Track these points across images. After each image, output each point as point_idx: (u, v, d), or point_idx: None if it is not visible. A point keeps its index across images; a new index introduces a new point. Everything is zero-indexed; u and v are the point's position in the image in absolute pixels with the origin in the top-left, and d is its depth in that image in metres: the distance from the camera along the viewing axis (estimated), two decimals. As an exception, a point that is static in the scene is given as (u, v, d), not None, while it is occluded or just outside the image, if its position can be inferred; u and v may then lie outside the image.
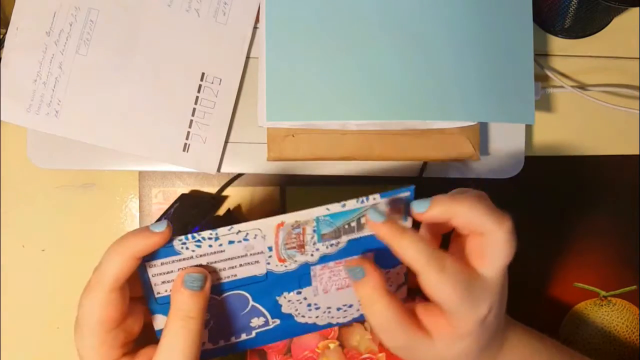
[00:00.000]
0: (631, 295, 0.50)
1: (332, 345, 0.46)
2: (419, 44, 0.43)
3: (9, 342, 0.48)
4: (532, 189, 0.49)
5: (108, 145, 0.44)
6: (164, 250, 0.30)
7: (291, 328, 0.36)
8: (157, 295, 0.32)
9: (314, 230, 0.31)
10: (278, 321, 0.36)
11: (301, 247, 0.32)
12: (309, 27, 0.43)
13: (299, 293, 0.34)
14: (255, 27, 0.46)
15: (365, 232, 0.32)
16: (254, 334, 0.36)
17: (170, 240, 0.30)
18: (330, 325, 0.37)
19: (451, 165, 0.47)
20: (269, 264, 0.32)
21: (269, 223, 0.30)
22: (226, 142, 0.46)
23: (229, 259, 0.31)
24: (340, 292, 0.35)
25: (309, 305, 0.35)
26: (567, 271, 0.50)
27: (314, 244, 0.32)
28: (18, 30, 0.44)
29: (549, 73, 0.49)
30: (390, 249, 0.31)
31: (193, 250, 0.30)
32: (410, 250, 0.30)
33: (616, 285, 0.50)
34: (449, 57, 0.43)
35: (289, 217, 0.30)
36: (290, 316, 0.36)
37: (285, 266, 0.33)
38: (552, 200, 0.50)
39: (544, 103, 0.50)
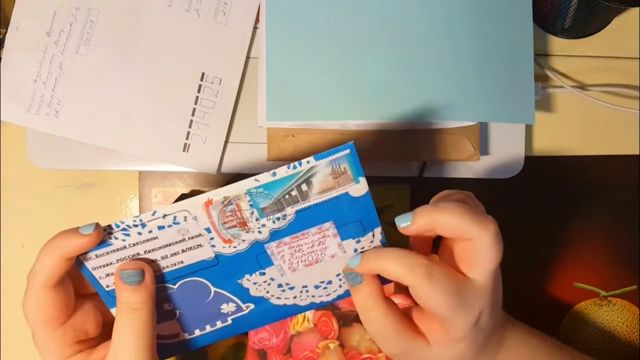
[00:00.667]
0: (631, 295, 0.50)
1: (332, 345, 0.46)
2: (418, 44, 0.43)
3: (9, 342, 0.48)
4: (532, 189, 0.49)
5: (108, 145, 0.44)
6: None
7: (270, 311, 0.36)
8: (107, 289, 0.32)
9: (251, 205, 0.30)
10: (252, 305, 0.35)
11: (243, 224, 0.31)
12: (309, 27, 0.43)
13: (263, 274, 0.33)
14: (255, 27, 0.46)
15: (314, 201, 0.30)
16: (229, 320, 0.35)
17: None
18: (314, 305, 0.36)
19: (451, 165, 0.47)
20: (213, 246, 0.31)
21: (195, 202, 0.29)
22: (226, 142, 0.46)
23: (166, 245, 0.31)
24: (310, 269, 0.34)
25: (280, 285, 0.34)
26: (567, 271, 0.50)
27: (257, 219, 0.31)
28: (18, 30, 0.44)
29: (549, 73, 0.49)
30: (376, 262, 0.31)
31: (123, 240, 0.30)
32: (393, 267, 0.30)
33: (616, 285, 0.50)
34: (448, 57, 0.43)
35: (216, 194, 0.29)
36: (262, 299, 0.35)
37: (235, 247, 0.32)
38: (552, 200, 0.50)
39: (544, 103, 0.50)
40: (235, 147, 0.46)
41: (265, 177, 0.29)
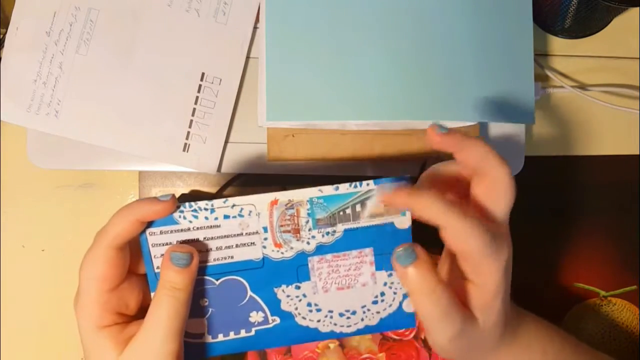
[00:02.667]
0: (631, 295, 0.50)
1: (332, 346, 0.46)
2: (418, 43, 0.43)
3: (9, 342, 0.48)
4: (532, 189, 0.49)
5: (108, 145, 0.44)
6: (164, 219, 0.32)
7: (292, 331, 0.36)
8: (156, 270, 0.33)
9: (308, 214, 0.32)
10: (278, 320, 0.36)
11: (296, 231, 0.32)
12: (309, 27, 0.43)
13: (298, 288, 0.35)
14: (255, 27, 0.46)
15: (363, 223, 0.32)
16: (253, 331, 0.36)
17: None
18: (333, 334, 0.36)
19: (451, 165, 0.47)
20: (265, 247, 0.33)
21: (263, 199, 0.31)
22: (226, 142, 0.46)
23: (225, 236, 0.32)
24: (340, 293, 0.35)
25: (309, 304, 0.35)
26: (567, 271, 0.50)
27: (309, 230, 0.32)
28: (18, 30, 0.44)
29: (549, 73, 0.49)
30: (410, 211, 0.32)
31: (190, 221, 0.32)
32: (432, 206, 0.30)
33: (616, 285, 0.50)
34: (448, 57, 0.43)
35: (283, 195, 0.31)
36: (290, 315, 0.35)
37: (282, 252, 0.33)
38: (552, 200, 0.50)
39: (544, 103, 0.50)
40: (235, 147, 0.46)
41: (328, 190, 0.31)
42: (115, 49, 0.44)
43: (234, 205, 0.31)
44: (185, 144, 0.45)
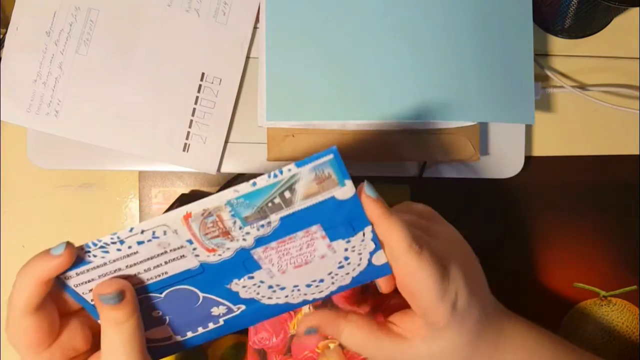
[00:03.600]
0: (631, 295, 0.50)
1: (332, 345, 0.46)
2: (418, 44, 0.43)
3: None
4: (532, 189, 0.49)
5: (108, 145, 0.44)
6: (74, 263, 0.29)
7: (262, 310, 0.35)
8: (92, 303, 0.31)
9: (232, 215, 0.29)
10: (243, 307, 0.34)
11: (226, 234, 0.30)
12: (309, 27, 0.43)
13: (252, 278, 0.33)
14: (255, 27, 0.46)
15: (296, 207, 0.29)
16: (221, 321, 0.35)
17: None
18: (306, 302, 0.36)
19: (451, 165, 0.47)
20: (197, 255, 0.31)
21: (173, 217, 0.28)
22: (226, 142, 0.46)
23: (147, 259, 0.30)
24: (300, 270, 0.33)
25: (271, 287, 0.34)
26: (567, 271, 0.50)
27: (240, 228, 0.30)
28: (18, 30, 0.44)
29: (549, 73, 0.49)
30: (374, 227, 0.31)
31: (103, 257, 0.29)
32: (396, 233, 0.31)
33: (616, 285, 0.50)
34: (449, 57, 0.43)
35: (195, 207, 0.28)
36: (253, 300, 0.34)
37: (220, 254, 0.31)
38: (552, 200, 0.50)
39: (544, 103, 0.50)
40: (235, 147, 0.46)
41: (245, 188, 0.28)
42: (115, 49, 0.44)
43: (143, 231, 0.28)
44: (185, 144, 0.45)
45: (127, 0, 0.44)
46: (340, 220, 0.31)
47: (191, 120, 0.45)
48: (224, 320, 0.35)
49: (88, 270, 0.30)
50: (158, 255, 0.30)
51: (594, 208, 0.50)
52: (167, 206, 0.46)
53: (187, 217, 0.28)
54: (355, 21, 0.43)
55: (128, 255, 0.30)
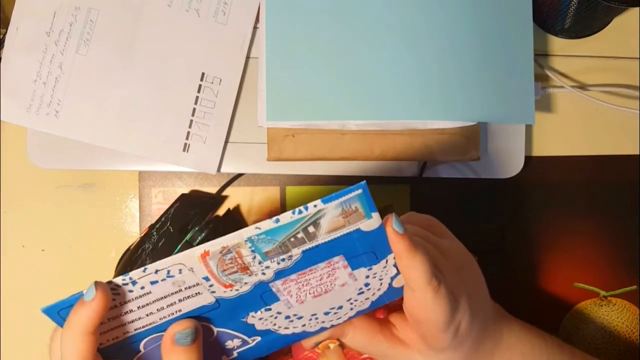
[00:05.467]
0: (631, 295, 0.50)
1: (332, 346, 0.46)
2: (418, 44, 0.43)
3: (9, 342, 0.48)
4: (532, 189, 0.49)
5: (108, 145, 0.44)
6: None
7: (278, 340, 0.34)
8: (99, 347, 0.30)
9: (252, 251, 0.28)
10: (258, 338, 0.33)
11: (245, 269, 0.28)
12: (309, 27, 0.43)
13: (269, 310, 0.32)
14: (255, 27, 0.46)
15: (320, 240, 0.28)
16: (235, 354, 0.34)
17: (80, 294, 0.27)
18: (323, 329, 0.35)
19: (451, 165, 0.47)
20: (214, 292, 0.29)
21: (190, 255, 0.27)
22: (226, 142, 0.46)
23: (161, 297, 0.29)
24: (318, 299, 0.32)
25: (288, 317, 0.33)
26: (567, 271, 0.50)
27: (260, 263, 0.28)
28: (18, 30, 0.44)
29: (549, 73, 0.49)
30: (396, 259, 0.30)
31: (113, 299, 0.28)
32: (418, 268, 0.30)
33: (616, 285, 0.50)
34: (449, 57, 0.43)
35: (213, 245, 0.27)
36: (269, 331, 0.33)
37: (237, 290, 0.30)
38: (552, 200, 0.50)
39: (544, 103, 0.50)
40: (235, 147, 0.46)
41: (267, 225, 0.26)
42: (115, 49, 0.44)
43: (157, 271, 0.27)
44: (185, 144, 0.45)
45: (127, 0, 0.44)
46: (364, 250, 0.30)
47: (191, 120, 0.45)
48: (238, 353, 0.34)
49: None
50: (172, 294, 0.29)
51: (594, 208, 0.50)
52: (167, 206, 0.46)
53: (205, 255, 0.27)
54: (355, 21, 0.43)
55: (141, 296, 0.28)
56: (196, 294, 0.29)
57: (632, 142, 0.50)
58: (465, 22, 0.43)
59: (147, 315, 0.29)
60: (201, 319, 0.31)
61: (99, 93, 0.44)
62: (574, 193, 0.50)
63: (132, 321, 0.29)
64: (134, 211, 0.48)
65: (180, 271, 0.27)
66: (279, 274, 0.29)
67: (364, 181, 0.27)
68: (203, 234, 0.44)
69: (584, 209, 0.50)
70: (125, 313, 0.29)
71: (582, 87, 0.50)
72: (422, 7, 0.43)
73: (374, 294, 0.33)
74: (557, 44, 0.50)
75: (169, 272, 0.27)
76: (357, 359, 0.46)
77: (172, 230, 0.44)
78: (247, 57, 0.46)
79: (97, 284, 0.27)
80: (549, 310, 0.50)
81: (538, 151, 0.50)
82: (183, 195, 0.47)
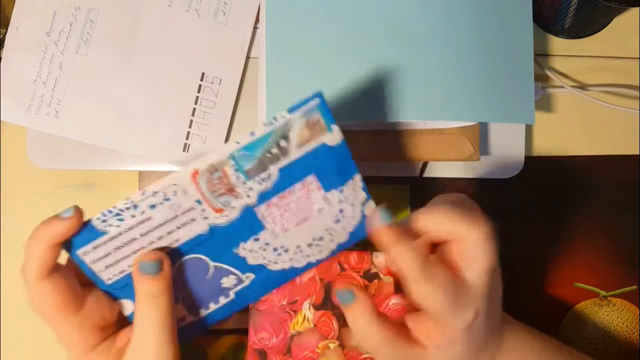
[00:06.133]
0: (631, 295, 0.50)
1: (332, 345, 0.46)
2: (418, 44, 0.43)
3: (9, 342, 0.48)
4: (532, 189, 0.49)
5: (108, 145, 0.44)
6: (88, 233, 0.30)
7: (270, 279, 0.36)
8: (107, 282, 0.32)
9: (236, 170, 0.30)
10: (252, 275, 0.35)
11: (231, 190, 0.31)
12: (309, 28, 0.43)
13: (257, 240, 0.34)
14: (255, 27, 0.46)
15: (294, 156, 0.31)
16: (232, 295, 0.35)
17: (89, 221, 0.30)
18: (310, 265, 0.36)
19: (451, 165, 0.47)
20: (206, 217, 0.31)
21: (182, 174, 0.29)
22: (226, 142, 0.46)
23: (160, 224, 0.31)
24: (301, 227, 0.34)
25: (275, 249, 0.35)
26: (567, 271, 0.50)
27: (243, 183, 0.31)
28: (18, 30, 0.44)
29: (549, 73, 0.49)
30: (385, 250, 0.32)
31: (118, 226, 0.30)
32: (406, 259, 0.31)
33: (616, 285, 0.50)
34: (449, 57, 0.43)
35: (201, 163, 0.29)
36: (262, 267, 0.35)
37: (227, 215, 0.32)
38: (552, 200, 0.50)
39: (544, 103, 0.50)
40: (235, 147, 0.46)
41: (245, 138, 0.29)
42: (115, 49, 0.44)
43: (155, 193, 0.29)
44: (185, 144, 0.45)
45: (127, 0, 0.44)
46: (331, 168, 0.32)
47: (191, 120, 0.45)
48: (235, 293, 0.35)
49: (105, 242, 0.30)
50: (170, 219, 0.31)
51: (594, 208, 0.50)
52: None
53: (195, 174, 0.29)
54: (355, 21, 0.43)
55: (142, 222, 0.30)
56: (191, 220, 0.31)
57: (632, 142, 0.50)
58: (465, 23, 0.43)
59: (149, 244, 0.31)
60: (197, 254, 0.33)
61: (99, 93, 0.44)
62: (574, 193, 0.50)
63: (136, 251, 0.31)
64: (134, 211, 0.48)
65: (175, 193, 0.30)
66: (262, 197, 0.32)
67: (320, 90, 0.30)
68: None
69: (584, 209, 0.50)
70: (130, 241, 0.31)
71: (582, 87, 0.50)
72: (422, 7, 0.43)
73: (349, 222, 0.35)
74: (557, 44, 0.50)
75: (165, 194, 0.30)
76: (357, 359, 0.46)
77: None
78: (247, 57, 0.46)
79: (76, 209, 0.29)
80: (549, 310, 0.50)
81: (538, 151, 0.50)
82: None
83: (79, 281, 0.32)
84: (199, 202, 0.30)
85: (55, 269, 0.30)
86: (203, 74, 0.45)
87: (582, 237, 0.50)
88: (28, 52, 0.44)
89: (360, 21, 0.43)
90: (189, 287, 0.34)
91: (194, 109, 0.45)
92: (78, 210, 0.29)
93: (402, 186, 0.49)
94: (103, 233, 0.30)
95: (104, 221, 0.30)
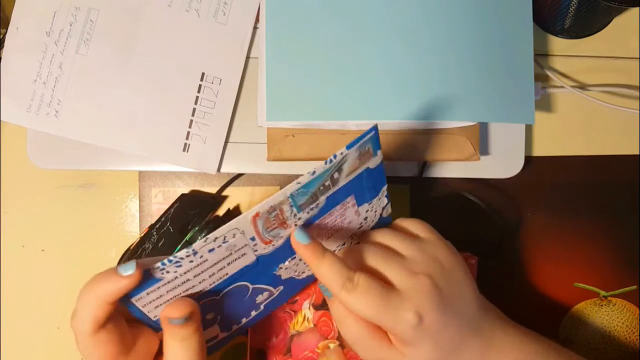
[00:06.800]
0: (631, 295, 0.50)
1: (332, 345, 0.46)
2: (418, 44, 0.43)
3: (9, 342, 0.48)
4: (532, 189, 0.49)
5: (108, 145, 0.44)
6: (144, 282, 0.29)
7: (296, 285, 0.37)
8: (155, 319, 0.31)
9: (291, 205, 0.30)
10: (282, 287, 0.36)
11: (283, 223, 0.31)
12: (309, 27, 0.43)
13: (293, 259, 0.34)
14: (255, 27, 0.46)
15: (340, 184, 0.31)
16: (262, 307, 0.36)
17: (147, 271, 0.28)
18: None
19: (451, 165, 0.47)
20: (256, 250, 0.31)
21: (244, 219, 0.29)
22: (226, 142, 0.46)
23: (214, 264, 0.30)
24: (330, 240, 0.35)
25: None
26: (567, 271, 0.50)
27: (294, 215, 0.31)
28: (18, 30, 0.44)
29: (549, 73, 0.49)
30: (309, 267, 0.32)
31: (175, 271, 0.29)
32: (327, 274, 0.31)
33: (616, 285, 0.50)
34: (449, 57, 0.43)
35: (263, 206, 0.29)
36: (291, 279, 0.36)
37: (273, 245, 0.32)
38: (552, 200, 0.50)
39: (544, 103, 0.50)
40: (235, 147, 0.46)
41: (306, 178, 0.29)
42: (115, 48, 0.44)
43: (215, 239, 0.29)
44: (185, 144, 0.45)
45: (127, 0, 0.44)
46: (368, 186, 0.32)
47: (191, 120, 0.45)
48: (264, 305, 0.36)
49: (158, 288, 0.29)
50: (224, 258, 0.30)
51: (594, 208, 0.50)
52: (167, 206, 0.46)
53: (256, 216, 0.29)
54: (355, 21, 0.43)
55: (198, 265, 0.30)
56: (242, 255, 0.31)
57: (632, 142, 0.50)
58: (465, 23, 0.43)
59: (200, 282, 0.31)
60: (241, 282, 0.33)
61: (99, 93, 0.44)
62: (574, 193, 0.50)
63: (187, 290, 0.31)
64: (134, 211, 0.48)
65: (234, 235, 0.29)
66: (306, 222, 0.32)
67: (376, 123, 0.31)
68: (203, 234, 0.44)
69: (584, 209, 0.50)
70: (183, 283, 0.30)
71: (582, 87, 0.50)
72: (423, 7, 0.43)
73: (368, 225, 0.36)
74: (557, 44, 0.50)
75: (225, 237, 0.29)
76: (357, 359, 0.46)
77: (172, 230, 0.44)
78: (247, 57, 0.46)
79: (138, 264, 0.27)
80: (549, 310, 0.50)
81: (538, 151, 0.50)
82: (183, 195, 0.47)
83: (127, 320, 0.31)
84: (252, 239, 0.30)
85: (109, 320, 0.29)
86: (203, 74, 0.45)
87: (582, 237, 0.50)
88: (28, 52, 0.44)
89: (360, 21, 0.43)
90: (226, 311, 0.34)
91: (194, 109, 0.45)
92: (139, 267, 0.28)
93: (402, 186, 0.49)
94: (159, 279, 0.29)
95: (162, 269, 0.29)
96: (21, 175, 0.48)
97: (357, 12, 0.43)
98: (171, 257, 0.28)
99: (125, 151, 0.44)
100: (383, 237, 0.36)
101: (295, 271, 0.35)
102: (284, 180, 0.48)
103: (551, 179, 0.50)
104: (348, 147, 0.29)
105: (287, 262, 0.34)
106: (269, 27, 0.42)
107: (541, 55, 0.50)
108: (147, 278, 0.28)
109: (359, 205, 0.34)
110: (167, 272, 0.29)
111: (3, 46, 0.45)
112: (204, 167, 0.45)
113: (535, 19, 0.47)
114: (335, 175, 0.30)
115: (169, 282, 0.29)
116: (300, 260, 0.35)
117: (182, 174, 0.48)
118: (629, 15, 0.50)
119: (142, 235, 0.45)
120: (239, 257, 0.31)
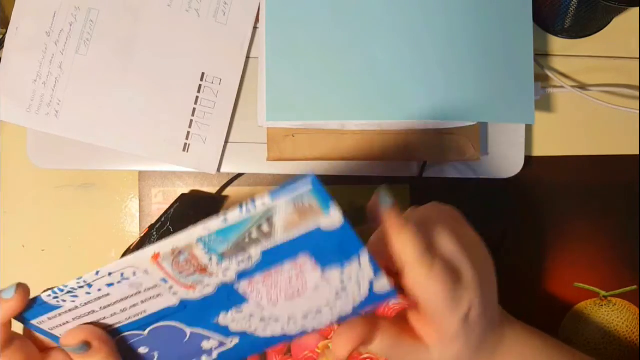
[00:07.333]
0: (631, 295, 0.50)
1: (332, 346, 0.46)
2: (418, 44, 0.43)
3: (9, 342, 0.48)
4: (532, 189, 0.49)
5: (108, 145, 0.44)
6: (39, 308, 0.28)
7: (259, 342, 0.33)
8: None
9: (207, 252, 0.27)
10: (236, 339, 0.33)
11: (202, 270, 0.28)
12: (309, 27, 0.43)
13: (240, 311, 0.31)
14: (255, 27, 0.46)
15: (278, 240, 0.27)
16: (215, 354, 0.33)
17: (38, 297, 0.28)
18: (305, 332, 0.33)
19: (451, 165, 0.47)
20: (175, 293, 0.29)
21: (140, 257, 0.27)
22: (226, 142, 0.46)
23: (121, 299, 0.29)
24: (292, 302, 0.31)
25: (262, 320, 0.32)
26: (567, 271, 0.50)
27: (217, 264, 0.28)
28: (18, 30, 0.44)
29: (549, 73, 0.49)
30: (384, 238, 0.30)
31: (72, 301, 0.28)
32: (408, 245, 0.30)
33: (616, 285, 0.50)
34: (448, 57, 0.43)
35: (163, 247, 0.26)
36: (245, 334, 0.32)
37: (200, 291, 0.29)
38: (552, 200, 0.50)
39: (544, 103, 0.50)
40: (235, 147, 0.46)
41: (215, 224, 0.26)
42: (115, 49, 0.44)
43: (110, 274, 0.27)
44: (185, 144, 0.45)
45: (127, 0, 0.44)
46: (330, 249, 0.28)
47: (191, 120, 0.45)
48: (218, 354, 0.33)
49: (60, 314, 0.29)
50: (132, 295, 0.29)
51: (594, 208, 0.50)
52: (167, 206, 0.46)
53: (156, 257, 0.27)
54: (355, 21, 0.43)
55: (99, 298, 0.29)
56: (157, 295, 0.29)
57: (632, 142, 0.50)
58: (465, 23, 0.43)
59: (112, 315, 0.30)
60: (169, 322, 0.31)
61: (99, 93, 0.44)
62: (574, 193, 0.50)
63: (99, 320, 0.30)
64: (134, 211, 0.48)
65: (134, 273, 0.27)
66: (242, 275, 0.29)
67: (312, 174, 0.25)
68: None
69: (584, 209, 0.50)
70: (88, 313, 0.29)
71: (582, 87, 0.50)
72: (422, 7, 0.43)
73: (354, 298, 0.32)
74: (557, 44, 0.50)
75: (122, 274, 0.27)
76: (358, 359, 0.46)
77: (172, 230, 0.44)
78: (247, 57, 0.46)
79: (18, 287, 0.28)
80: (549, 310, 0.50)
81: (538, 151, 0.50)
82: (183, 195, 0.47)
83: (38, 345, 0.31)
84: (164, 280, 0.28)
85: (9, 341, 0.29)
86: (203, 74, 0.45)
87: (582, 237, 0.50)
88: (28, 52, 0.44)
89: (360, 21, 0.43)
90: (165, 348, 0.32)
91: (194, 109, 0.45)
92: (20, 290, 0.28)
93: (402, 186, 0.49)
94: (57, 307, 0.29)
95: (55, 297, 0.28)
96: (21, 175, 0.48)
97: (357, 12, 0.43)
98: (62, 286, 0.28)
99: (125, 151, 0.44)
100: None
101: (250, 326, 0.32)
102: (284, 180, 0.48)
103: (551, 179, 0.50)
104: (272, 197, 0.25)
105: (231, 313, 0.31)
106: (269, 27, 0.42)
107: (541, 55, 0.50)
108: (41, 305, 0.28)
109: (323, 270, 0.29)
110: (63, 300, 0.28)
111: (3, 46, 0.45)
112: (204, 167, 0.45)
113: (535, 19, 0.47)
114: (265, 228, 0.26)
115: (70, 310, 0.29)
116: (252, 316, 0.31)
117: (182, 174, 0.48)
118: (628, 15, 0.50)
119: (142, 235, 0.45)
120: (154, 297, 0.29)
